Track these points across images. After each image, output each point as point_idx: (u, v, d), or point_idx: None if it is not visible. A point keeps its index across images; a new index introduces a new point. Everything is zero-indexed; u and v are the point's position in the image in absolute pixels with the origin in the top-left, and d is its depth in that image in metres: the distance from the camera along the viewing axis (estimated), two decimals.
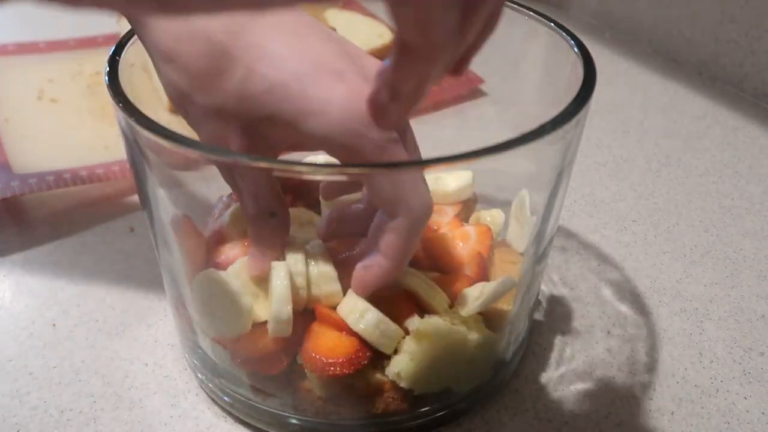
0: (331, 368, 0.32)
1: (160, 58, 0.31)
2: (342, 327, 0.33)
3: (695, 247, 0.49)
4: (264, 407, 0.35)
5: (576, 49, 0.33)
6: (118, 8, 0.20)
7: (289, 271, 0.33)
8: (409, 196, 0.30)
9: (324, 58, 0.31)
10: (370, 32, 0.67)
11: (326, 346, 0.33)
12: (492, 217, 0.41)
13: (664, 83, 0.70)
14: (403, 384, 0.33)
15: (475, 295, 0.35)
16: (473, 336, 0.33)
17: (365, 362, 0.33)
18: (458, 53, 0.27)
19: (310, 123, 0.30)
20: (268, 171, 0.30)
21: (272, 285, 0.32)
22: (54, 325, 0.42)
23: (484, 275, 0.38)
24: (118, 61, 0.32)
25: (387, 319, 0.33)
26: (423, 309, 0.35)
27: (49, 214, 0.51)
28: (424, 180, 0.31)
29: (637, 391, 0.39)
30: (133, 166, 0.33)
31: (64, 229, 0.49)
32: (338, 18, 0.68)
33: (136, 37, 0.34)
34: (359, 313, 0.32)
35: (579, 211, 0.52)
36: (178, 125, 0.30)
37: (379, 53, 0.65)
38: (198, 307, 0.34)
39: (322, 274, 0.33)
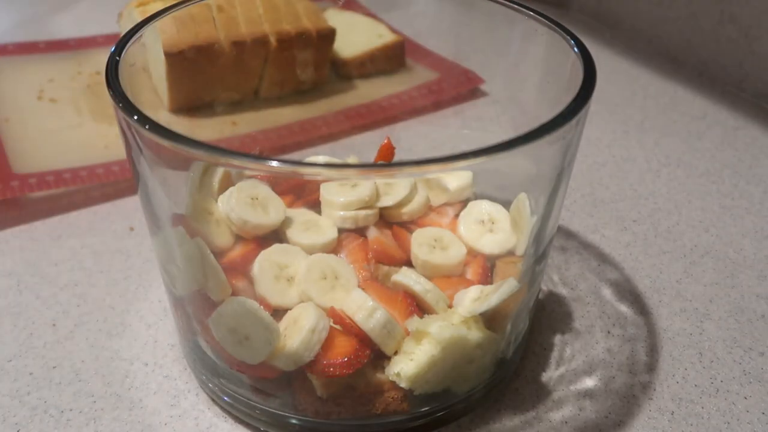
0: (331, 369, 0.32)
1: None
2: (345, 324, 0.33)
3: (695, 247, 0.49)
4: (264, 407, 0.35)
5: (576, 49, 0.33)
6: None
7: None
8: None
9: None
10: (370, 32, 0.67)
11: (326, 347, 0.33)
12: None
13: (664, 83, 0.70)
14: (403, 384, 0.33)
15: (474, 296, 0.35)
16: (473, 336, 0.33)
17: (365, 362, 0.33)
18: None
19: None
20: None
21: (302, 329, 0.33)
22: (54, 325, 0.42)
23: (483, 275, 0.38)
24: (118, 61, 0.32)
25: (393, 320, 0.33)
26: (423, 309, 0.35)
27: (49, 214, 0.51)
28: None
29: (637, 391, 0.39)
30: (133, 166, 0.33)
31: (64, 228, 0.49)
32: (338, 18, 0.68)
33: (136, 37, 0.34)
34: (368, 312, 0.32)
35: (579, 211, 0.52)
36: (178, 125, 0.30)
37: (379, 53, 0.66)
38: (221, 330, 0.34)
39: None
